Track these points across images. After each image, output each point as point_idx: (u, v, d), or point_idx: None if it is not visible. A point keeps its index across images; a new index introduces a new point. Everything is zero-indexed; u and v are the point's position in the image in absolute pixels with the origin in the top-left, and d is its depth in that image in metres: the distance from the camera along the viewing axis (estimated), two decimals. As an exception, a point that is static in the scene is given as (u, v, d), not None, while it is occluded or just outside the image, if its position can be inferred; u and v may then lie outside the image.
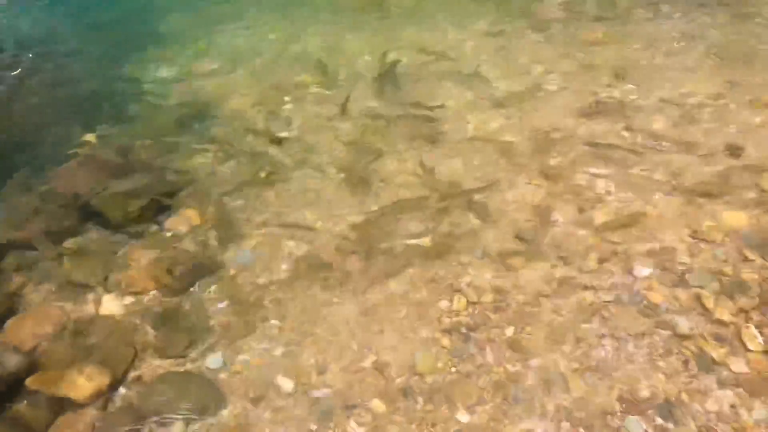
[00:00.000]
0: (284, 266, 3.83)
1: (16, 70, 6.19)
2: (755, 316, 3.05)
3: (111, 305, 3.74)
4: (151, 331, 3.54)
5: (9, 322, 3.56)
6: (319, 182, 4.54)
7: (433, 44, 6.28)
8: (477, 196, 4.13)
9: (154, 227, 4.26)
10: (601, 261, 3.49)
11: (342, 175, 4.57)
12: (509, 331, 3.18)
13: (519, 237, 3.77)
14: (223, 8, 7.77)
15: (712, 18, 6.13)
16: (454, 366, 3.06)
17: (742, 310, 3.08)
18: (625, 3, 6.60)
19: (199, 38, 7.14)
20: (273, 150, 4.96)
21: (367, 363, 3.14)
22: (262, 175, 4.69)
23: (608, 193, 4.02)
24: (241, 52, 6.67)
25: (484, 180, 4.29)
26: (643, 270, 3.38)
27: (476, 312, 3.30)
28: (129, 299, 3.76)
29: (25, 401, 3.11)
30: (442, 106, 5.17)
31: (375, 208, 4.18)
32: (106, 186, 4.40)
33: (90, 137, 5.32)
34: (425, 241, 3.86)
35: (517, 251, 3.66)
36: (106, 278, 3.89)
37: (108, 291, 3.83)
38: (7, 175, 4.74)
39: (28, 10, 7.87)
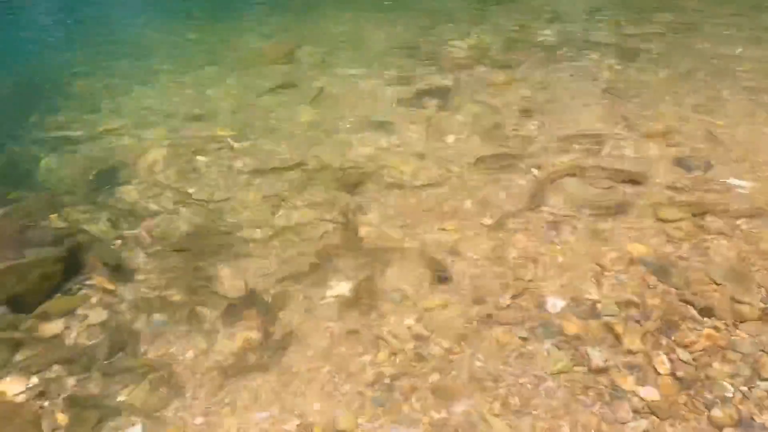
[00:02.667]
0: (200, 332, 3.70)
1: None
2: (662, 340, 3.19)
3: (12, 387, 3.47)
4: (57, 412, 3.31)
5: None
6: (234, 237, 4.47)
7: (346, 93, 6.40)
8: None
9: (61, 298, 4.02)
10: (515, 297, 3.58)
11: (258, 231, 4.52)
12: (433, 378, 3.18)
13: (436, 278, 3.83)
14: (129, 68, 7.65)
15: (603, 58, 6.59)
16: (379, 418, 3.01)
17: (650, 335, 3.21)
18: (523, 48, 7.00)
19: (107, 98, 6.98)
20: (185, 210, 4.86)
21: (291, 427, 3.05)
22: (175, 235, 4.57)
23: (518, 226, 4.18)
24: (150, 110, 6.55)
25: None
26: (556, 303, 3.49)
27: (398, 361, 3.29)
28: (33, 379, 3.51)
29: None
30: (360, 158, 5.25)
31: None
32: (5, 259, 4.15)
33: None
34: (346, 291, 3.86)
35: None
36: (6, 360, 3.63)
37: (8, 373, 3.57)
38: None
39: None
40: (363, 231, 4.35)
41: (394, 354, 3.33)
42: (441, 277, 3.83)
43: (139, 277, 4.22)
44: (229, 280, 4.08)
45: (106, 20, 9.71)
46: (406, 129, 5.64)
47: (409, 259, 4.03)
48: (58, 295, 4.06)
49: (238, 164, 5.40)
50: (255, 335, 3.61)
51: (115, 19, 9.76)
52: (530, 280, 3.70)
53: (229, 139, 5.80)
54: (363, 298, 3.75)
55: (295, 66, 7.29)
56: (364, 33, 8.13)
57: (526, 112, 5.62)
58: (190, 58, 7.98)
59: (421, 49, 7.35)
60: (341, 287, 3.87)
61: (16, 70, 7.69)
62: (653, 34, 7.16)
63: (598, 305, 3.44)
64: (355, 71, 6.95)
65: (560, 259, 3.84)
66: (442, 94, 6.21)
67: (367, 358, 3.33)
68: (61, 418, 3.29)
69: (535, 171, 4.76)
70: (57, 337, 3.72)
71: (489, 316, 3.48)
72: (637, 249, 3.79)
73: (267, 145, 5.66)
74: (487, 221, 4.28)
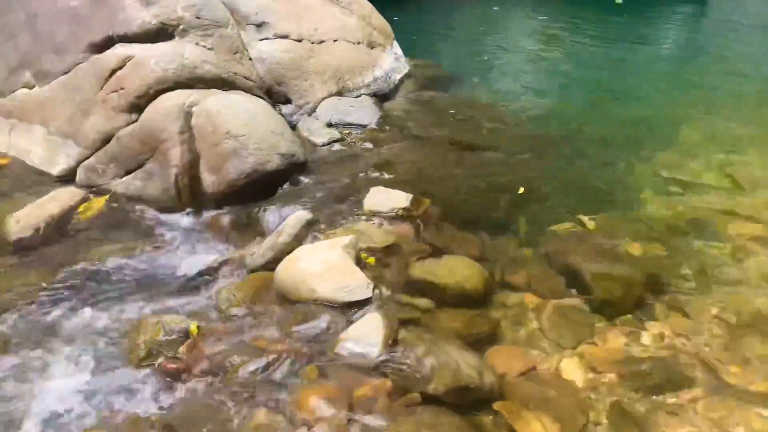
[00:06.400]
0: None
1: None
2: None
3: (571, 371, 4.02)
4: (603, 410, 3.68)
5: (491, 349, 4.17)
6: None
7: None
8: None
9: (630, 317, 4.41)
10: None
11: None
12: None
13: None
14: (719, 126, 7.65)
15: None
16: None
17: None
18: None
19: (705, 152, 7.06)
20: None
21: None
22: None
23: None
24: (732, 178, 6.34)
25: None
26: None
27: None
28: (589, 373, 3.98)
29: (490, 417, 3.59)
30: None
31: None
32: (595, 264, 4.78)
33: (583, 217, 5.77)
34: None
35: None
36: (573, 345, 4.21)
37: (570, 357, 4.13)
38: (511, 231, 5.51)
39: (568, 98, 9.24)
40: None
41: None
42: None
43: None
44: None
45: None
46: None
47: None
48: (629, 314, 4.47)
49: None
50: None
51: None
52: None
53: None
54: None
55: None
56: None
57: None
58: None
59: None
60: None
61: (638, 108, 8.63)
62: None
63: None
64: None
65: None
66: None
67: None
68: (603, 415, 3.66)
69: None
70: (615, 354, 4.13)
71: None
72: None
73: None
74: None
